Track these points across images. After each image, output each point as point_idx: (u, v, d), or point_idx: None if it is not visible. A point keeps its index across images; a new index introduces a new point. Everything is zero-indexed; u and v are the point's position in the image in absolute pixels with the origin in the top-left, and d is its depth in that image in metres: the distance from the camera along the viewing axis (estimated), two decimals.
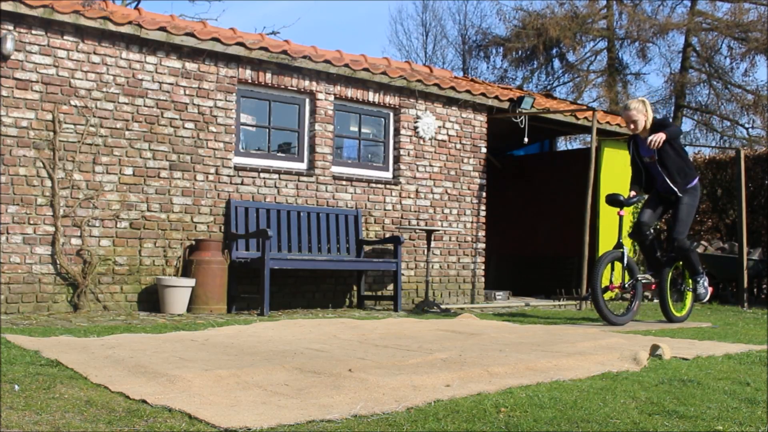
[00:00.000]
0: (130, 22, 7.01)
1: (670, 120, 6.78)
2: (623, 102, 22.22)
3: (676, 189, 6.51)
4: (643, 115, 6.50)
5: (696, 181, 6.64)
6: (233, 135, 7.76)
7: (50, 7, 6.62)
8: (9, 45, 6.48)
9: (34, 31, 6.69)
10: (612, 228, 11.38)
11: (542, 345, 4.63)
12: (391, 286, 8.81)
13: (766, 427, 2.60)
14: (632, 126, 6.55)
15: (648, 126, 6.52)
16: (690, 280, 6.92)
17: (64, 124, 6.82)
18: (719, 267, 10.74)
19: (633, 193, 6.66)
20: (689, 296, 6.98)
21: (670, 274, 6.86)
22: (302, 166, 8.31)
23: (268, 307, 7.04)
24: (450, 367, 3.61)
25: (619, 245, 6.61)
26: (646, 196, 6.95)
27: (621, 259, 6.59)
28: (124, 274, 7.10)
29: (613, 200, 6.72)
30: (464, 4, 37.34)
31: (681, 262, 6.86)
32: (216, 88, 7.65)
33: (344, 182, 8.52)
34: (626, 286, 6.63)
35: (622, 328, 6.13)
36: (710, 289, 6.86)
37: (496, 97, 9.71)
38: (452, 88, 9.27)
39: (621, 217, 6.72)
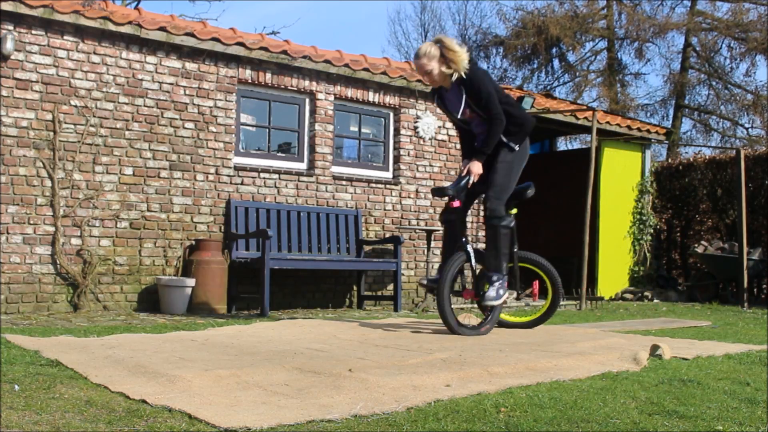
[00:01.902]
0: (130, 22, 7.02)
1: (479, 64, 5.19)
2: (620, 101, 22.17)
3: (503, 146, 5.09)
4: (437, 61, 4.97)
5: (526, 140, 5.23)
6: (233, 135, 7.77)
7: (50, 7, 6.63)
8: (9, 45, 6.48)
9: (34, 31, 6.69)
10: (612, 228, 11.43)
11: (542, 345, 4.63)
12: (391, 286, 8.81)
13: (766, 427, 2.60)
14: (426, 79, 5.12)
15: (459, 70, 4.97)
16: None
17: (64, 124, 6.82)
18: (719, 267, 10.74)
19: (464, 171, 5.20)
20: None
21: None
22: (302, 166, 8.31)
23: (268, 307, 7.04)
24: (450, 367, 3.61)
25: (462, 245, 5.31)
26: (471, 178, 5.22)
27: (469, 261, 5.29)
28: (124, 274, 7.10)
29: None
30: (464, 4, 37.35)
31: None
32: (216, 88, 7.65)
33: (344, 182, 8.51)
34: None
35: (622, 327, 6.12)
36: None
37: None
38: None
39: (456, 209, 5.28)
